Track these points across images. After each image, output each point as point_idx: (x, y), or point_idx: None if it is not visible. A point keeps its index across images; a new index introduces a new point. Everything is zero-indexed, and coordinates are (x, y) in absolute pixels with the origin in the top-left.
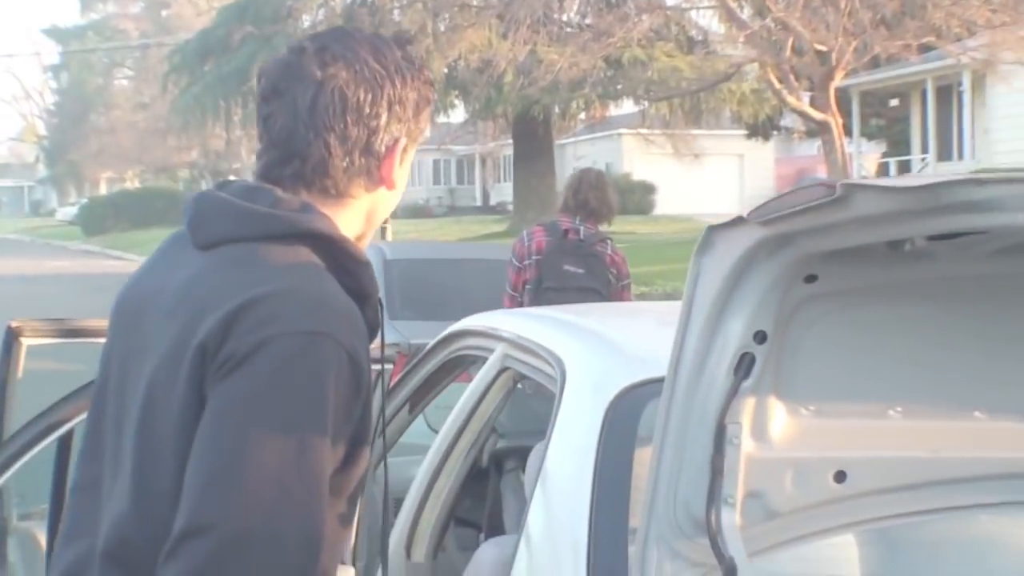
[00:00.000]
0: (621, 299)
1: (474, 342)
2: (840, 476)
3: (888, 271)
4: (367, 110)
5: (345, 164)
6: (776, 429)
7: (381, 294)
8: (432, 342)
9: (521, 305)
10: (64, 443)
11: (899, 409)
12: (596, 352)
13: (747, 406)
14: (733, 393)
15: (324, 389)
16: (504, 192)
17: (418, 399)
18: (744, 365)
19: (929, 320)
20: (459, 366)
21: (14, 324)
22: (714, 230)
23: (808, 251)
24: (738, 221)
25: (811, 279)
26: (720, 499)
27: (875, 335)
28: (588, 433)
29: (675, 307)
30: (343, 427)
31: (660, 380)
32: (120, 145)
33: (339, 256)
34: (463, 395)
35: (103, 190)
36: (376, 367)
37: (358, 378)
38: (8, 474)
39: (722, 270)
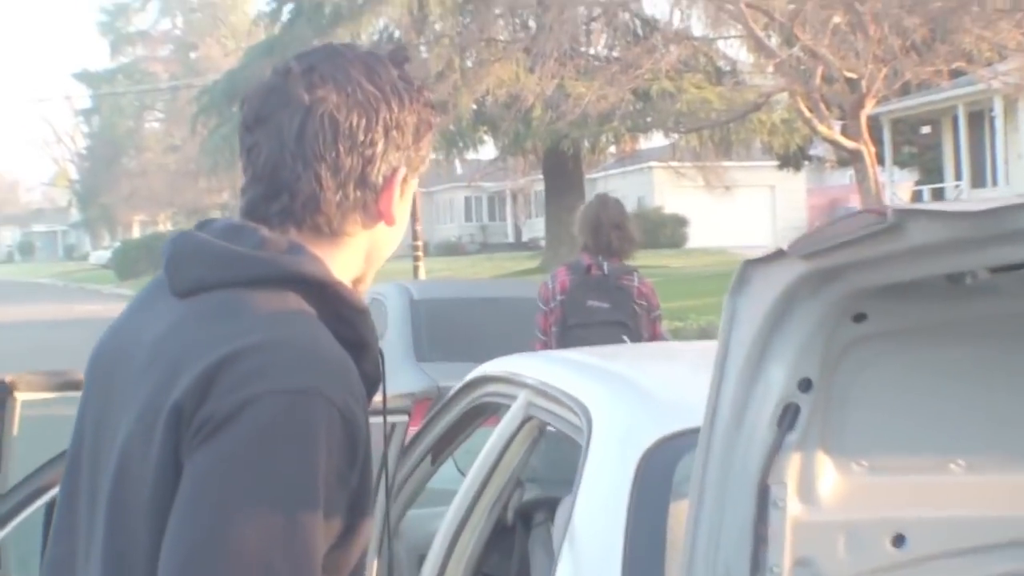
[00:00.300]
0: (653, 331)
1: (496, 388)
2: (898, 540)
3: (947, 308)
4: (361, 137)
5: (338, 198)
6: (825, 488)
7: (408, 335)
8: (453, 389)
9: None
10: (52, 509)
11: (962, 462)
12: (624, 400)
13: (792, 463)
14: (776, 448)
15: (314, 455)
16: (536, 228)
17: (440, 448)
18: (788, 416)
19: (993, 362)
20: (482, 414)
21: (8, 378)
22: (751, 265)
23: (857, 287)
24: (777, 255)
25: (860, 318)
26: (764, 569)
27: (933, 379)
28: (617, 490)
29: (711, 348)
30: (337, 497)
31: (695, 431)
32: (152, 188)
33: (333, 302)
34: (485, 446)
35: (136, 233)
36: (378, 420)
37: (354, 441)
38: None
39: (761, 310)
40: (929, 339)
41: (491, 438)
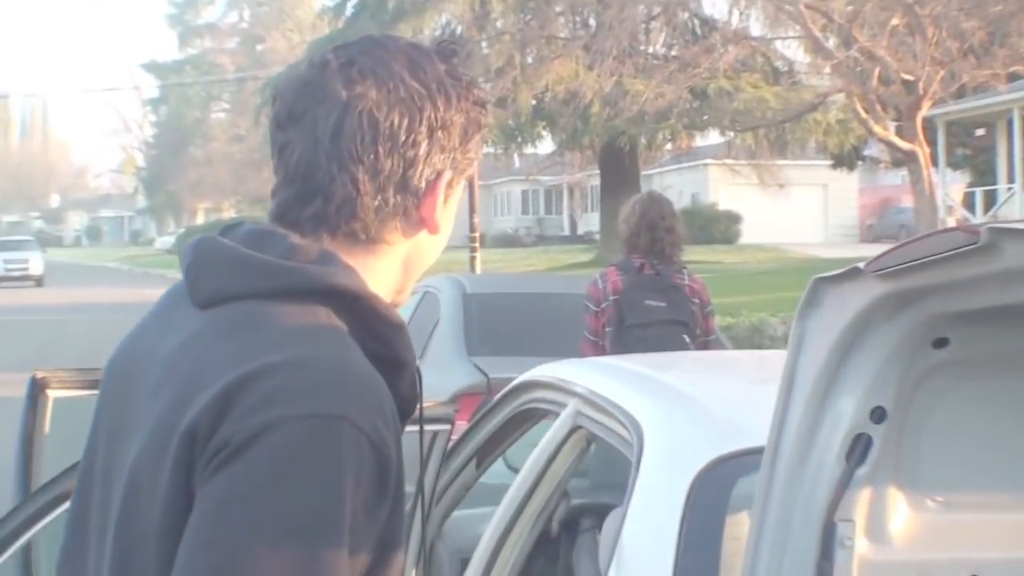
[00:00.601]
0: (706, 327)
1: (544, 395)
2: None
3: None
4: (403, 137)
5: (377, 203)
6: (897, 526)
7: (460, 329)
8: (500, 393)
9: (603, 350)
10: None
11: None
12: (678, 415)
13: (861, 499)
14: (845, 484)
15: (340, 487)
16: (591, 222)
17: (487, 452)
18: (858, 449)
19: None
20: (529, 419)
21: (39, 375)
22: (822, 284)
23: (939, 310)
24: (852, 273)
25: (941, 343)
26: None
27: (1017, 410)
28: (669, 514)
29: (770, 359)
30: (365, 531)
31: (753, 452)
32: (217, 176)
33: (366, 317)
34: (532, 455)
35: (200, 220)
36: (412, 428)
37: (384, 472)
38: (8, 553)
39: (832, 334)
40: (1014, 367)
41: (538, 447)
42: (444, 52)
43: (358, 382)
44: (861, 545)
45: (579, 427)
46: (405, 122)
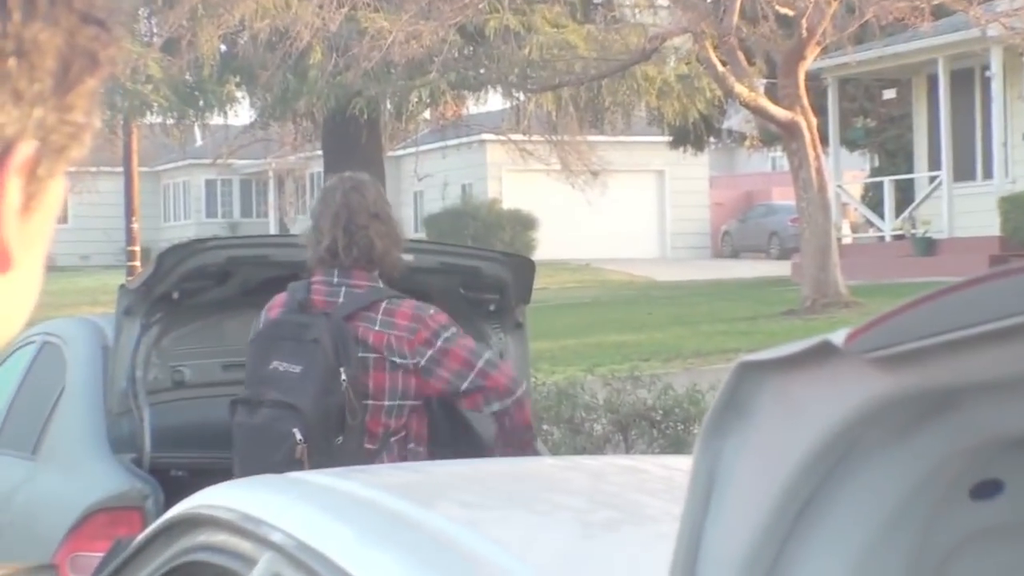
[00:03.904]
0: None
1: (216, 540)
2: None
3: None
4: None
5: None
6: None
7: (98, 405)
8: (143, 535)
9: None
10: None
11: None
12: None
13: None
14: None
15: None
16: None
17: None
18: None
19: None
20: None
21: None
22: (753, 372)
23: (990, 429)
24: (819, 351)
25: (987, 492)
26: None
27: None
28: None
29: (608, 474)
30: None
31: None
32: None
33: None
34: None
35: None
36: None
37: None
38: None
39: (775, 473)
40: None
41: None
42: None
43: None
44: None
45: None
46: None
